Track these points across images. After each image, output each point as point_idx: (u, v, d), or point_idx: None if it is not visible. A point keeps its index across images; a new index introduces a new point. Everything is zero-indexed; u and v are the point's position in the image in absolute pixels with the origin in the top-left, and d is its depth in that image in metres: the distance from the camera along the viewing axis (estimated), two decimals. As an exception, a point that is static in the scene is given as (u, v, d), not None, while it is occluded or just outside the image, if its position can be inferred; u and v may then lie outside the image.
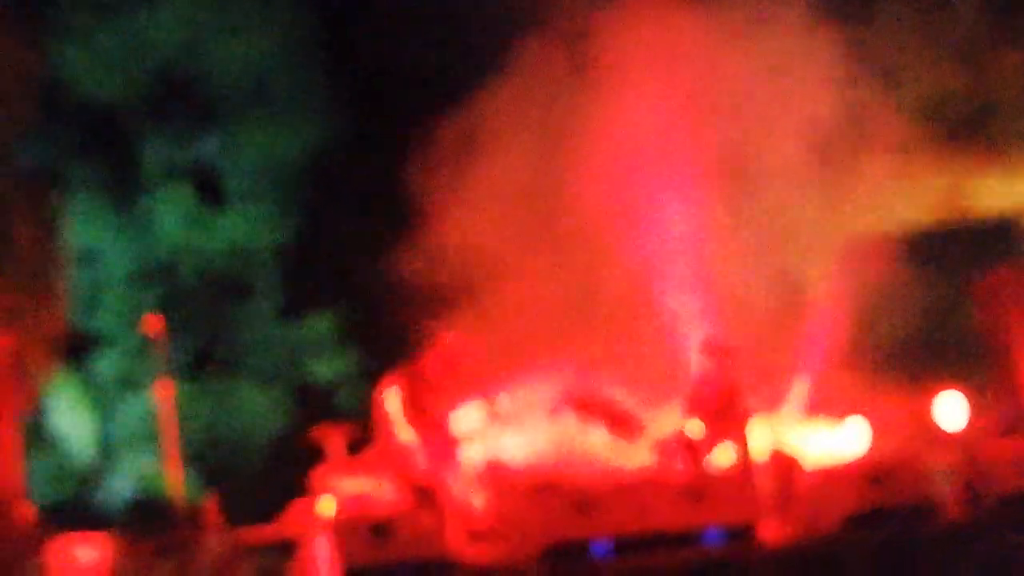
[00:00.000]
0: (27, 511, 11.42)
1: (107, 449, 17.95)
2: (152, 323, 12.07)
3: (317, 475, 12.76)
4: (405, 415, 12.10)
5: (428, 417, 12.31)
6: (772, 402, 12.85)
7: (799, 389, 14.45)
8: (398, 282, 16.34)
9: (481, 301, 15.28)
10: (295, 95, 19.07)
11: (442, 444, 12.20)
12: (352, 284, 17.81)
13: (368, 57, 18.44)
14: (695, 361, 13.15)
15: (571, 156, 15.79)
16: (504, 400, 12.41)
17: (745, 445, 12.21)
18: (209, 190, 18.92)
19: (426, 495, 11.98)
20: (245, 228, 18.90)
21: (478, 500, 12.33)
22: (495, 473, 12.62)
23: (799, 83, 16.20)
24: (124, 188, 18.60)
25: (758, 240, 17.07)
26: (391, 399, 12.13)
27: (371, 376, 17.07)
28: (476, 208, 15.73)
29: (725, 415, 12.67)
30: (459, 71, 16.61)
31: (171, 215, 18.64)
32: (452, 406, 12.55)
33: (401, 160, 16.53)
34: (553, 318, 15.37)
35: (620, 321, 15.37)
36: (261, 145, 18.97)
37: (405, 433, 12.16)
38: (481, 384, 12.80)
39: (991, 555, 10.66)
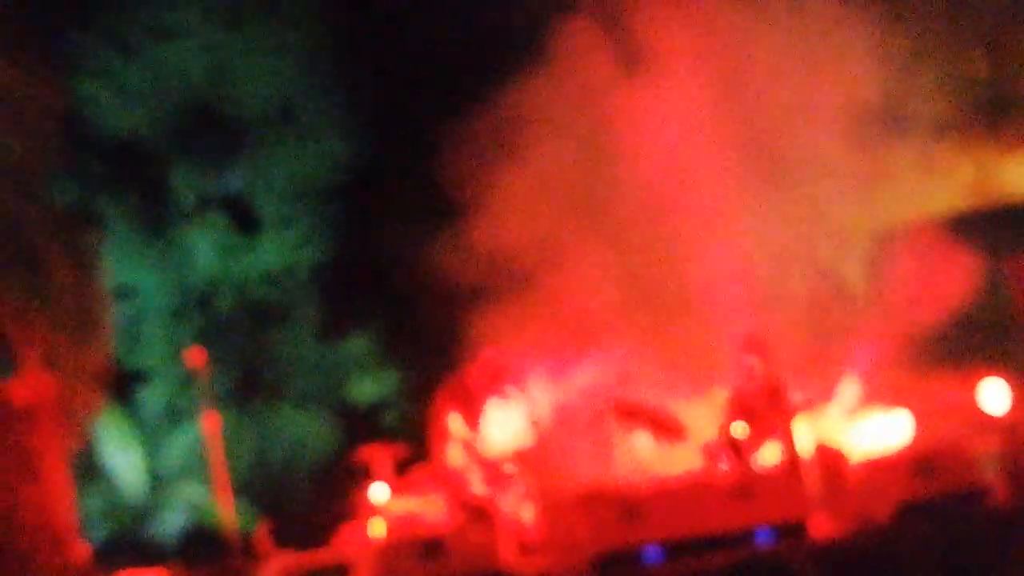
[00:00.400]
0: (82, 549, 11.35)
1: (157, 482, 17.92)
2: (194, 355, 11.98)
3: (366, 497, 12.65)
4: (468, 433, 12.05)
5: (477, 432, 12.24)
6: (816, 397, 12.65)
7: (842, 382, 14.24)
8: (438, 290, 16.19)
9: (523, 299, 15.13)
10: (320, 114, 19.04)
11: (491, 460, 12.11)
12: (391, 300, 17.71)
13: (392, 60, 18.37)
14: (737, 359, 12.94)
15: (608, 147, 15.65)
16: (544, 413, 12.30)
17: (791, 442, 12.03)
18: (242, 218, 18.89)
19: (479, 511, 11.87)
20: (280, 253, 18.87)
21: (527, 513, 12.22)
22: (543, 485, 12.53)
23: (832, 70, 16.05)
24: (158, 221, 18.60)
25: (796, 230, 16.94)
26: (454, 421, 12.06)
27: (414, 394, 17.08)
28: (513, 205, 15.59)
29: (769, 412, 12.50)
30: (490, 63, 16.45)
31: (206, 245, 18.62)
32: (497, 421, 12.46)
33: (435, 161, 16.38)
34: (596, 312, 15.24)
35: (663, 313, 15.23)
36: (290, 168, 18.95)
37: (462, 452, 12.05)
38: (525, 392, 12.68)
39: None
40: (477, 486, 12.04)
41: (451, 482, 12.04)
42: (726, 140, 15.89)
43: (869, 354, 15.20)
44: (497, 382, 12.37)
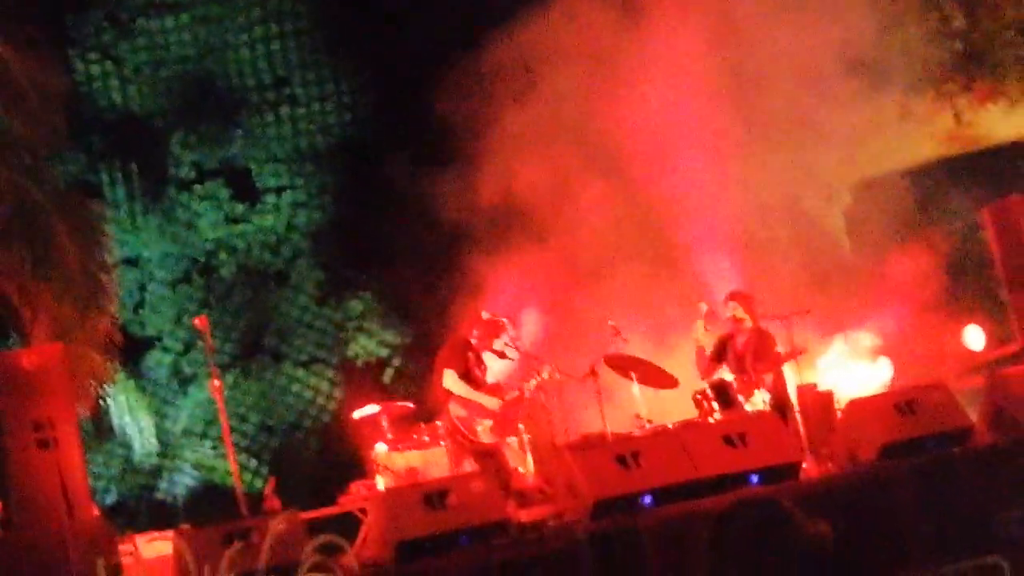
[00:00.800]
0: (93, 512, 11.47)
1: (166, 445, 18.08)
2: (199, 321, 12.08)
3: (369, 453, 12.77)
4: (466, 387, 12.07)
5: (480, 385, 12.26)
6: (802, 343, 12.73)
7: (827, 328, 14.36)
8: (433, 246, 16.25)
9: (517, 249, 15.17)
10: (315, 82, 19.09)
11: (503, 406, 12.17)
12: (388, 259, 17.79)
13: (386, 20, 18.39)
14: (724, 310, 13.03)
15: (602, 95, 15.66)
16: (548, 370, 12.33)
17: (781, 387, 12.17)
18: (240, 186, 18.98)
19: (494, 457, 11.97)
20: (278, 219, 18.95)
21: (525, 463, 12.36)
22: (540, 436, 12.66)
23: (816, 27, 16.07)
24: (159, 192, 18.69)
25: (778, 183, 17.00)
26: (450, 379, 12.09)
27: (415, 349, 17.20)
28: (506, 156, 15.63)
29: (758, 360, 12.62)
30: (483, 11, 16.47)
31: (207, 214, 18.71)
32: (494, 374, 12.54)
33: (432, 110, 16.38)
34: (589, 261, 15.29)
35: (654, 263, 15.30)
36: (286, 136, 19.01)
37: (460, 406, 12.10)
38: (521, 346, 12.72)
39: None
40: (487, 433, 12.09)
41: (460, 433, 12.07)
42: (713, 93, 15.95)
43: (852, 300, 15.32)
44: (494, 336, 12.40)
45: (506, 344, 12.39)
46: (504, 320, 12.64)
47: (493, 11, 16.23)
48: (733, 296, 13.09)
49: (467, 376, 12.09)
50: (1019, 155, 17.43)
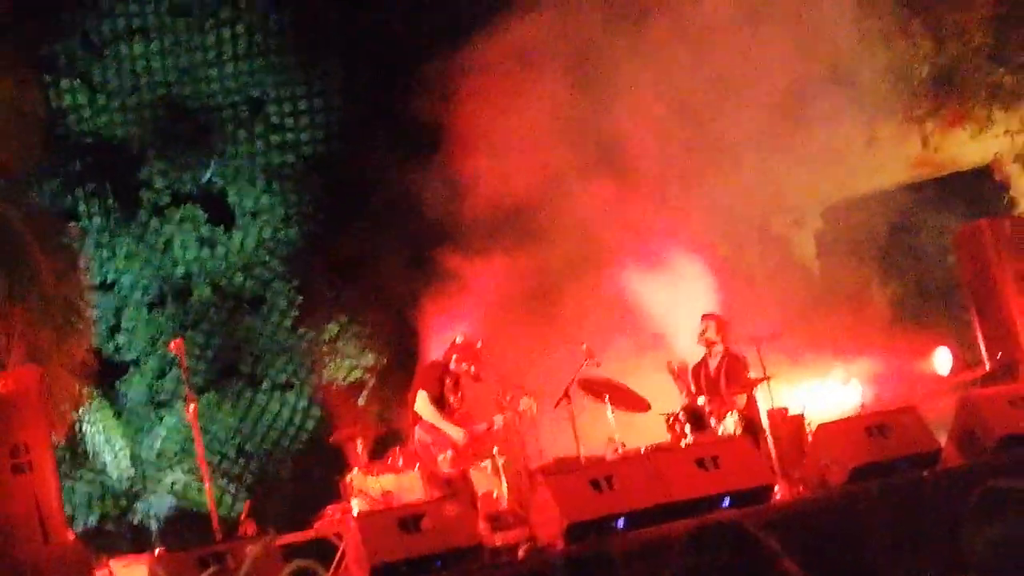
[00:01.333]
0: (69, 536, 11.41)
1: (143, 469, 17.99)
2: (174, 344, 12.06)
3: (345, 477, 12.75)
4: (435, 414, 12.02)
5: (453, 411, 12.24)
6: (773, 366, 12.78)
7: (798, 352, 14.40)
8: (410, 265, 16.20)
9: (497, 266, 15.16)
10: (288, 104, 19.07)
11: (468, 438, 12.13)
12: (364, 281, 17.76)
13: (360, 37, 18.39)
14: (696, 333, 13.07)
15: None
16: (527, 402, 12.30)
17: (752, 411, 12.20)
18: (216, 210, 18.92)
19: (452, 486, 11.95)
20: (254, 242, 18.90)
21: (499, 486, 12.34)
22: (513, 460, 12.63)
23: (781, 49, 16.14)
24: (135, 216, 18.62)
25: (745, 205, 17.04)
26: (421, 402, 12.05)
27: (391, 372, 17.17)
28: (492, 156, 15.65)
29: (730, 383, 12.66)
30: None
31: (182, 238, 18.66)
32: (468, 398, 12.51)
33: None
34: (563, 279, 15.28)
35: (623, 287, 15.32)
36: (261, 159, 18.97)
37: (431, 431, 12.06)
38: (494, 370, 12.70)
39: (990, 496, 10.61)
40: (447, 463, 12.07)
41: (423, 459, 12.08)
42: (680, 115, 16.00)
43: (821, 323, 15.36)
44: (471, 360, 12.35)
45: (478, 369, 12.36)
46: (479, 343, 12.62)
47: (465, 22, 16.28)
48: (708, 316, 13.13)
49: (439, 401, 12.04)
50: (986, 180, 17.54)
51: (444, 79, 15.99)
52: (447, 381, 12.19)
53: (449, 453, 11.98)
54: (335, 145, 19.02)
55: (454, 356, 12.37)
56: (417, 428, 12.00)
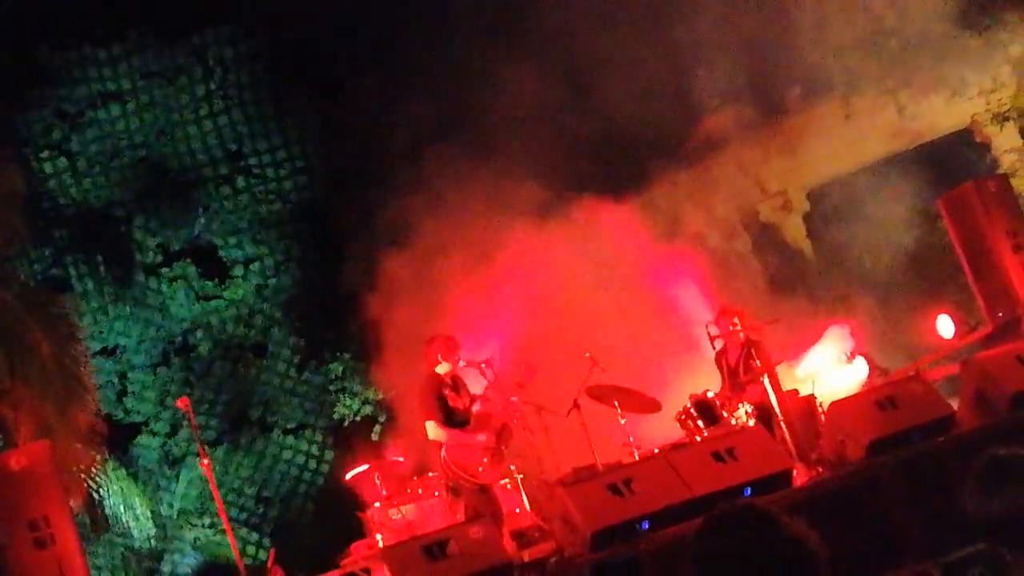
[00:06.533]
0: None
1: (165, 527, 17.90)
2: (181, 401, 11.96)
3: (367, 513, 12.65)
4: (450, 435, 11.74)
5: (468, 415, 11.90)
6: (778, 350, 12.71)
7: (799, 335, 14.33)
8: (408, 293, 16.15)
9: (494, 285, 15.10)
10: (268, 154, 19.04)
11: (485, 445, 11.87)
12: (363, 315, 17.66)
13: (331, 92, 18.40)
14: (721, 325, 12.88)
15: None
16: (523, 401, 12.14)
17: (767, 397, 12.07)
18: (208, 263, 18.88)
19: (487, 494, 11.70)
20: (249, 291, 18.86)
21: (519, 503, 12.24)
22: (529, 472, 12.53)
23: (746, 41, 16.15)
24: (129, 279, 18.57)
25: (733, 202, 17.03)
26: (432, 432, 11.74)
27: (400, 404, 17.06)
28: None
29: (742, 372, 12.57)
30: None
31: (178, 295, 18.61)
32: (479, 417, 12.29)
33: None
34: (566, 290, 15.22)
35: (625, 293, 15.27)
36: (246, 209, 18.94)
37: (456, 448, 11.79)
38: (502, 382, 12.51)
39: (992, 465, 10.53)
40: (487, 472, 11.75)
41: (458, 476, 11.74)
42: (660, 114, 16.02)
43: (822, 305, 15.31)
44: (453, 351, 12.02)
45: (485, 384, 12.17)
46: (453, 337, 12.27)
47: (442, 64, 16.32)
48: (733, 311, 12.94)
49: (449, 418, 11.75)
50: (965, 143, 17.52)
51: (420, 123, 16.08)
52: (445, 392, 11.78)
53: (485, 460, 11.70)
54: (318, 187, 19.00)
55: (438, 356, 11.98)
56: (443, 451, 11.71)
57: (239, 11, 18.96)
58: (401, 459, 13.60)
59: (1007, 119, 16.99)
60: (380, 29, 17.39)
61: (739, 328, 12.65)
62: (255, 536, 18.04)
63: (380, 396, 18.27)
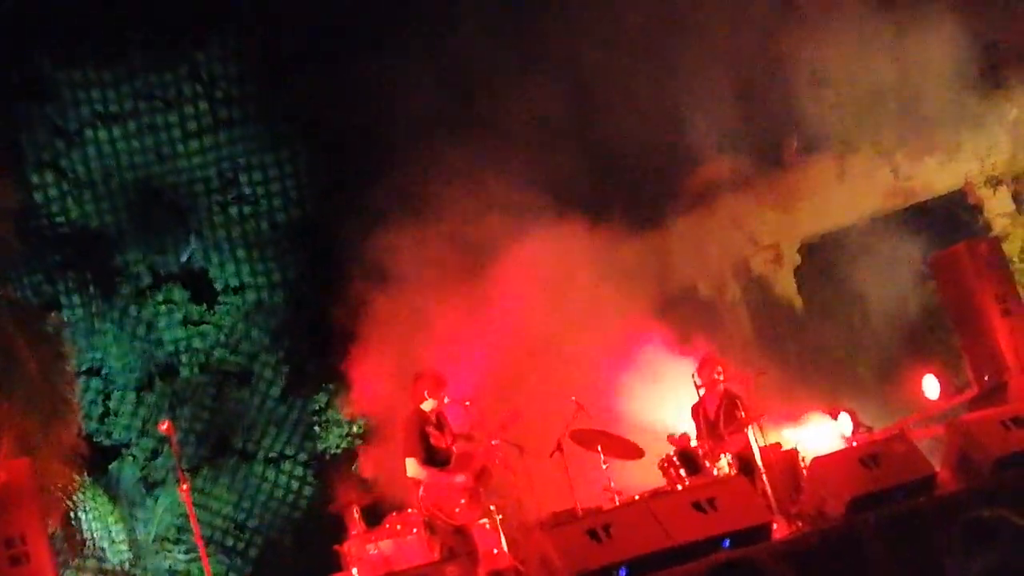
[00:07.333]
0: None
1: (140, 552, 17.81)
2: (164, 425, 11.92)
3: (344, 547, 12.60)
4: (430, 474, 11.71)
5: (448, 454, 11.88)
6: (764, 403, 12.72)
7: (785, 388, 14.34)
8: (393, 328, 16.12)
9: (479, 325, 15.09)
10: (263, 182, 19.06)
11: (463, 486, 11.83)
12: (348, 349, 17.62)
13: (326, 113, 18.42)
14: (704, 374, 12.90)
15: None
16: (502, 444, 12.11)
17: (749, 448, 12.08)
18: (198, 288, 18.86)
19: (463, 534, 11.68)
20: (238, 317, 18.84)
21: (497, 544, 12.19)
22: (510, 514, 12.49)
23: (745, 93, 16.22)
24: (117, 300, 18.54)
25: (722, 245, 17.06)
26: (411, 469, 11.72)
27: (382, 438, 17.02)
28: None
29: (723, 423, 12.58)
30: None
31: (165, 318, 18.59)
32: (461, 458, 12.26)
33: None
34: (549, 328, 15.19)
35: (605, 335, 15.25)
36: (239, 236, 18.94)
37: (434, 487, 11.75)
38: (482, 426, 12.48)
39: (974, 527, 10.53)
40: (463, 512, 11.72)
41: (436, 514, 11.70)
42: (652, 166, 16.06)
43: (810, 358, 15.33)
44: (439, 388, 12.00)
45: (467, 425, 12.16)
46: (441, 374, 12.26)
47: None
48: (716, 361, 12.98)
49: (430, 457, 11.73)
50: (958, 205, 17.59)
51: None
52: (428, 429, 11.78)
53: (463, 501, 11.69)
54: (310, 211, 18.99)
55: (424, 392, 11.97)
56: (421, 488, 11.70)
57: (238, 23, 18.99)
58: (380, 494, 13.54)
59: (1000, 183, 17.08)
60: (376, 49, 17.41)
61: (721, 378, 12.69)
62: (230, 565, 17.96)
63: (362, 430, 18.21)
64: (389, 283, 15.98)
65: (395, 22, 17.35)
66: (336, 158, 18.56)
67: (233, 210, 18.98)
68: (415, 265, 15.72)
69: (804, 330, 17.10)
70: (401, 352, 15.15)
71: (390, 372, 15.06)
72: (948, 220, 17.48)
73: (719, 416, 12.72)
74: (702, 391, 12.75)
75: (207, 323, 18.75)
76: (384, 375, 15.36)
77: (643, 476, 12.79)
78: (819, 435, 13.37)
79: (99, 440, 18.02)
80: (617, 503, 12.05)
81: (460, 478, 11.66)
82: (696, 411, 12.95)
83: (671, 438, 12.58)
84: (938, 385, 14.02)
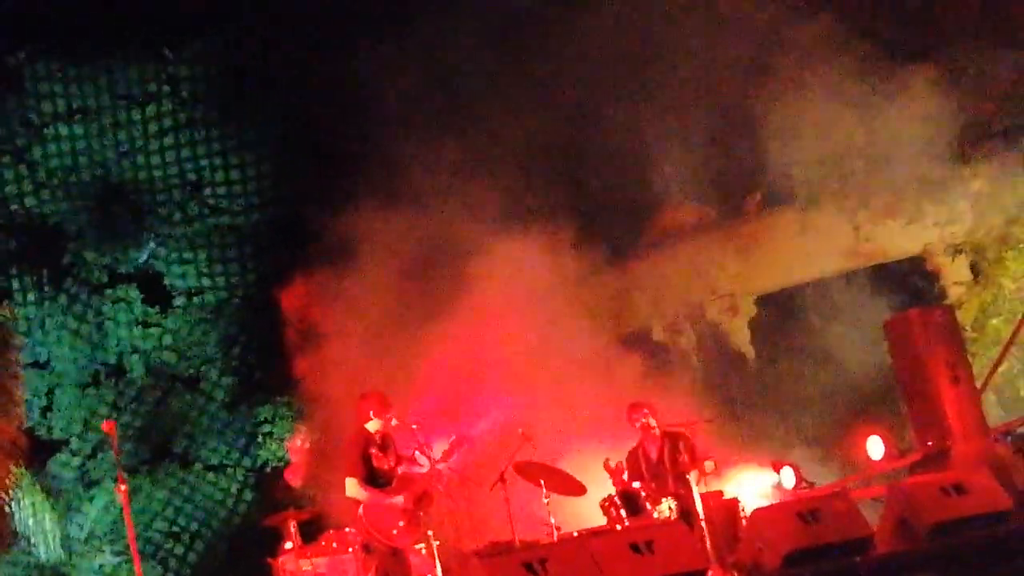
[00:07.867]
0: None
1: (72, 549, 17.67)
2: (106, 425, 11.86)
3: (278, 560, 12.53)
4: (370, 495, 11.69)
5: (392, 475, 11.84)
6: (708, 452, 12.77)
7: (731, 436, 14.42)
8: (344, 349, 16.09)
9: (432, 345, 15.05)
10: (226, 187, 19.01)
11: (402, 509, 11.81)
12: (296, 364, 17.58)
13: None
14: (634, 420, 12.99)
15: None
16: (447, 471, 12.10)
17: (689, 495, 12.13)
18: (152, 290, 18.78)
19: (398, 557, 11.64)
20: (190, 323, 18.77)
21: (432, 570, 12.16)
22: (447, 542, 12.47)
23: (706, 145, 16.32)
24: (70, 295, 18.44)
25: (678, 291, 17.13)
26: (351, 489, 11.71)
27: (324, 454, 16.99)
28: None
29: (668, 464, 12.63)
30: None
31: (118, 318, 18.50)
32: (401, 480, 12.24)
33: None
34: (501, 366, 15.19)
35: (561, 375, 15.26)
36: (198, 241, 18.88)
37: (373, 509, 11.72)
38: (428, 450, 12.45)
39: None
40: (401, 534, 11.70)
41: (372, 535, 11.68)
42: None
43: (756, 410, 15.40)
44: (384, 409, 11.98)
45: (416, 451, 12.14)
46: (386, 395, 12.25)
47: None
48: (642, 404, 13.07)
49: (372, 476, 11.71)
50: (917, 270, 17.73)
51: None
52: (372, 450, 11.76)
53: (401, 524, 11.68)
54: (272, 216, 18.93)
55: (370, 412, 11.94)
56: (360, 508, 11.68)
57: (208, 23, 18.98)
58: (318, 510, 13.49)
59: (960, 252, 17.23)
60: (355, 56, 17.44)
61: (651, 422, 12.76)
62: (161, 570, 17.84)
63: (306, 445, 18.15)
64: (345, 298, 15.97)
65: (371, 35, 17.39)
66: (302, 165, 18.55)
67: (193, 211, 18.92)
68: (372, 287, 15.71)
69: (754, 381, 17.16)
70: (352, 369, 15.13)
71: (339, 388, 15.02)
72: (905, 284, 17.62)
73: (661, 458, 12.77)
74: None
75: (159, 326, 18.67)
76: (333, 391, 15.33)
77: (584, 513, 12.80)
78: (761, 486, 13.41)
79: (39, 434, 17.88)
80: (555, 538, 12.05)
81: (399, 500, 11.67)
82: (634, 455, 12.99)
83: (607, 464, 12.61)
84: (883, 446, 14.09)
